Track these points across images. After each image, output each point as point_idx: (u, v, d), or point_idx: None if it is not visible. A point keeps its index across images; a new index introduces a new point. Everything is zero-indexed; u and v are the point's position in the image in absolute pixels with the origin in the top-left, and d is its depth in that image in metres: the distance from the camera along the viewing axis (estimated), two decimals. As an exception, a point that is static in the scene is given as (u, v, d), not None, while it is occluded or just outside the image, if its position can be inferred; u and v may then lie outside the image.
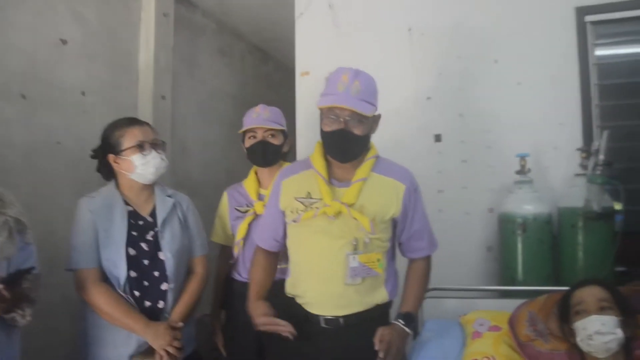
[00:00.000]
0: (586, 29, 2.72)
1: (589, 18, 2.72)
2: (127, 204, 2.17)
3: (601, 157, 2.34)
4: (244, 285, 2.49)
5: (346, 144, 1.90)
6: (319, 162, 2.00)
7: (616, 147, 2.51)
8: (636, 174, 2.62)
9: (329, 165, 2.00)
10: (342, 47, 3.03)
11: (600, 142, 2.36)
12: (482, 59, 2.81)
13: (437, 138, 2.86)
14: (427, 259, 2.10)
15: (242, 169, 2.73)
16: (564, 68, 2.72)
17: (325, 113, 1.90)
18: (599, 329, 1.73)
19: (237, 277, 2.59)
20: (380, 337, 1.85)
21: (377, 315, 1.98)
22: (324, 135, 1.93)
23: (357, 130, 1.88)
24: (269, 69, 5.16)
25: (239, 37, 4.60)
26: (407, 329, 1.93)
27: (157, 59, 3.49)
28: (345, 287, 1.92)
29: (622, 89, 2.71)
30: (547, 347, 1.88)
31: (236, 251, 2.54)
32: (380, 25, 2.99)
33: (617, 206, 2.33)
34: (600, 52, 2.74)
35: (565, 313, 1.88)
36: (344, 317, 1.93)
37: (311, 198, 1.97)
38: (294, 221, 1.98)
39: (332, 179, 1.99)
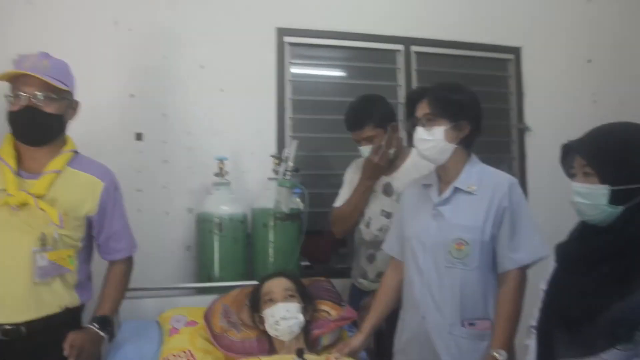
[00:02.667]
0: (284, 48, 3.02)
1: (287, 39, 3.04)
2: None
3: (290, 163, 2.59)
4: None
5: (34, 122, 1.77)
6: (7, 152, 1.82)
7: (303, 155, 2.84)
8: (319, 180, 3.02)
9: (19, 157, 1.84)
10: (39, 29, 2.68)
11: (290, 150, 2.62)
12: (188, 62, 2.86)
13: (138, 137, 2.79)
14: (127, 261, 2.06)
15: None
16: (264, 81, 2.97)
17: (12, 91, 1.77)
18: (284, 315, 1.94)
19: None
20: (71, 342, 1.78)
21: (67, 319, 1.86)
22: (10, 116, 1.77)
23: (47, 108, 1.78)
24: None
25: None
26: (101, 333, 1.88)
27: None
28: (31, 288, 1.76)
29: (311, 105, 3.08)
30: (239, 337, 2.01)
31: None
32: (82, 14, 2.76)
33: (302, 208, 2.61)
34: (295, 70, 3.07)
35: (256, 303, 2.04)
36: (28, 323, 1.76)
37: None
38: None
39: (21, 170, 1.82)
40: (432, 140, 1.89)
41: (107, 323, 1.91)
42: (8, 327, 1.74)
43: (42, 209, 1.76)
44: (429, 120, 1.89)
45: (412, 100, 1.99)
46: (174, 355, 1.97)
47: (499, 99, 3.48)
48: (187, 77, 2.86)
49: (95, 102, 2.59)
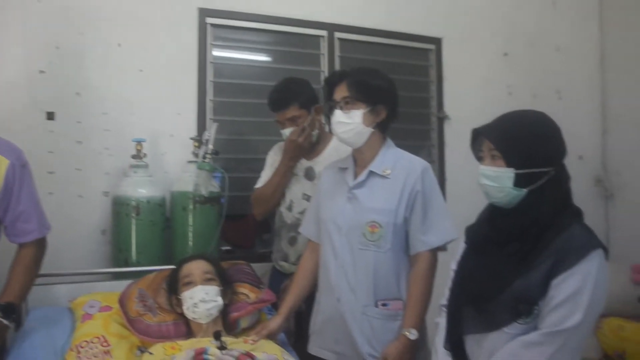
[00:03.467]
0: (206, 30, 2.95)
1: (210, 20, 2.96)
2: None
3: (210, 146, 2.55)
4: None
5: None
6: None
7: (225, 139, 2.82)
8: (240, 163, 2.99)
9: None
10: None
11: (210, 133, 2.58)
12: (105, 40, 2.74)
13: (50, 116, 2.65)
14: (38, 244, 1.94)
15: None
16: (185, 62, 2.89)
17: None
18: (203, 298, 1.91)
19: None
20: None
21: None
22: None
23: None
24: None
25: None
26: (5, 321, 1.78)
27: None
28: None
29: (233, 88, 3.03)
30: (155, 320, 1.97)
31: None
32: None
33: (222, 191, 2.58)
34: (216, 52, 3.00)
35: (174, 285, 2.01)
36: None
37: None
38: None
39: None
40: (350, 123, 1.91)
41: (12, 310, 1.81)
42: None
43: None
44: (347, 104, 1.92)
45: (331, 83, 2.01)
46: (87, 342, 1.90)
47: (420, 87, 3.56)
48: (104, 56, 2.73)
49: (1, 77, 2.47)
